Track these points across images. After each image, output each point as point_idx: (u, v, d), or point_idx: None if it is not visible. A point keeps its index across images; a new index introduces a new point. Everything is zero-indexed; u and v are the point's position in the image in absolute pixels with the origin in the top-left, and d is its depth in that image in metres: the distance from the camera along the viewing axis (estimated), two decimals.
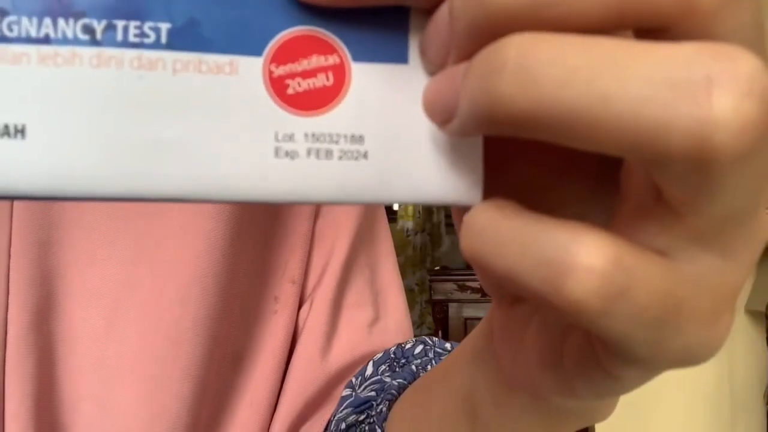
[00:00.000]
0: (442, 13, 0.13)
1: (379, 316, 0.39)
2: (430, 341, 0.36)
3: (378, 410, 0.31)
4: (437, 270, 2.27)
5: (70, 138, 0.13)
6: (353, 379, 0.35)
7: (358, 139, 0.14)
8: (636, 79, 0.11)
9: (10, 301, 0.30)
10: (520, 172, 0.16)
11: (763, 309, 1.45)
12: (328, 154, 0.14)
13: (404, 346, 0.36)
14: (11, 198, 0.14)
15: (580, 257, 0.12)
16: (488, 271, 0.13)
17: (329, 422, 0.35)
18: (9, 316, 0.30)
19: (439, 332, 2.10)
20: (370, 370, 0.35)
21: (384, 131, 0.14)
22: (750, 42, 0.12)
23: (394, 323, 0.39)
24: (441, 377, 0.24)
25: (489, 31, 0.12)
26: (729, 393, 1.54)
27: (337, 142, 0.14)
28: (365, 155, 0.14)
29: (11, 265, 0.30)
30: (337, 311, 0.38)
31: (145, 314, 0.32)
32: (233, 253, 0.34)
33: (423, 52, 0.14)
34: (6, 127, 0.13)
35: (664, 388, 1.48)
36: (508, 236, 0.13)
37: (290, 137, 0.14)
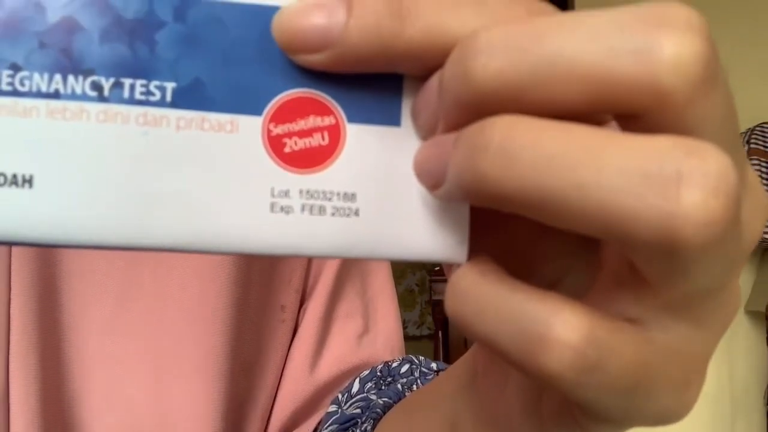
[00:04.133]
0: (433, 84, 0.14)
1: (369, 327, 0.39)
2: (416, 360, 0.37)
3: (363, 428, 0.31)
4: (437, 270, 2.27)
5: (75, 189, 0.14)
6: (339, 396, 0.36)
7: (351, 197, 0.15)
8: (610, 170, 0.11)
9: (12, 294, 0.30)
10: (507, 231, 0.17)
11: (763, 309, 1.46)
12: (322, 210, 0.15)
13: (391, 365, 0.37)
14: (17, 244, 0.14)
15: (556, 332, 0.12)
16: (468, 334, 0.14)
17: None
18: (12, 311, 0.30)
19: (439, 332, 2.11)
20: (356, 387, 0.35)
21: (376, 190, 0.15)
22: (721, 133, 0.12)
23: (384, 334, 0.40)
24: (427, 401, 0.25)
25: (474, 107, 0.13)
26: (729, 393, 1.55)
27: (330, 199, 0.15)
28: (357, 212, 0.15)
29: (13, 258, 0.30)
30: (328, 322, 0.38)
31: (151, 309, 0.32)
32: (246, 260, 0.34)
33: (414, 118, 0.15)
34: (14, 176, 0.14)
35: None
36: (489, 304, 0.13)
37: (286, 193, 0.15)
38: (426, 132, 0.15)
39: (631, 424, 0.15)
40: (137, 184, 0.14)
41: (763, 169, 1.41)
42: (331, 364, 0.37)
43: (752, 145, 1.41)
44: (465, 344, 1.92)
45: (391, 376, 0.36)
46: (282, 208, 0.15)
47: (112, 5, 0.14)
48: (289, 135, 0.15)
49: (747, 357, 1.52)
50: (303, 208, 0.15)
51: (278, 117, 0.15)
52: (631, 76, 0.12)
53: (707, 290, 0.13)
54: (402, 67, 0.14)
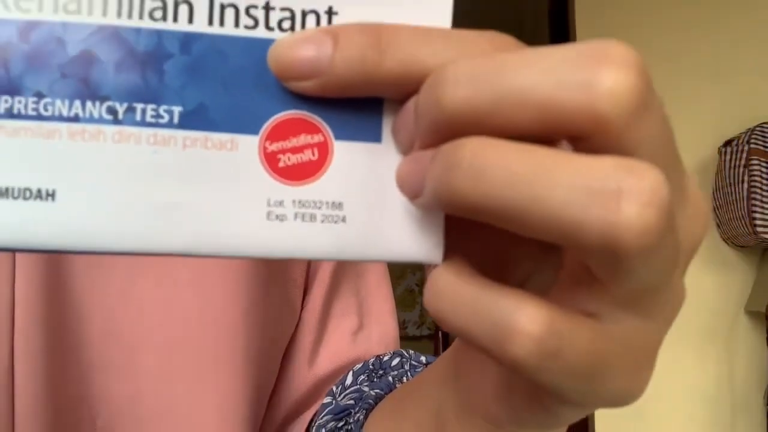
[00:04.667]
0: (409, 107, 0.16)
1: (363, 324, 0.41)
2: (406, 354, 0.39)
3: (356, 418, 0.33)
4: None
5: (93, 201, 0.16)
6: (334, 388, 0.38)
7: (338, 205, 0.17)
8: (562, 186, 0.13)
9: (16, 269, 0.29)
10: (480, 236, 0.19)
11: (763, 310, 1.46)
12: (312, 217, 0.17)
13: (382, 358, 0.39)
14: (41, 251, 0.16)
15: (521, 324, 0.15)
16: (445, 327, 0.16)
17: (310, 425, 0.38)
18: (16, 285, 0.29)
19: (439, 332, 2.11)
20: (350, 379, 0.37)
21: (360, 199, 0.17)
22: (657, 152, 0.14)
23: (378, 331, 0.42)
24: (415, 392, 0.27)
25: (445, 128, 0.15)
26: (729, 393, 1.55)
27: (320, 208, 0.17)
28: (344, 219, 0.17)
29: None
30: (325, 320, 0.40)
31: (161, 284, 0.32)
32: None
33: (394, 136, 0.17)
34: (39, 191, 0.16)
35: (664, 388, 1.49)
36: (464, 300, 0.15)
37: (280, 203, 0.16)
38: (405, 148, 0.17)
39: (591, 406, 0.17)
40: (147, 197, 0.16)
41: (764, 169, 1.41)
42: (328, 359, 0.39)
43: (752, 145, 1.42)
44: None
45: (382, 369, 0.38)
46: (277, 217, 0.16)
47: (125, 39, 0.16)
48: (283, 151, 0.16)
49: (747, 357, 1.52)
50: (296, 216, 0.16)
51: (273, 136, 0.16)
52: (575, 106, 0.14)
53: (652, 287, 0.15)
54: (382, 93, 0.16)
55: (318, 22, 0.16)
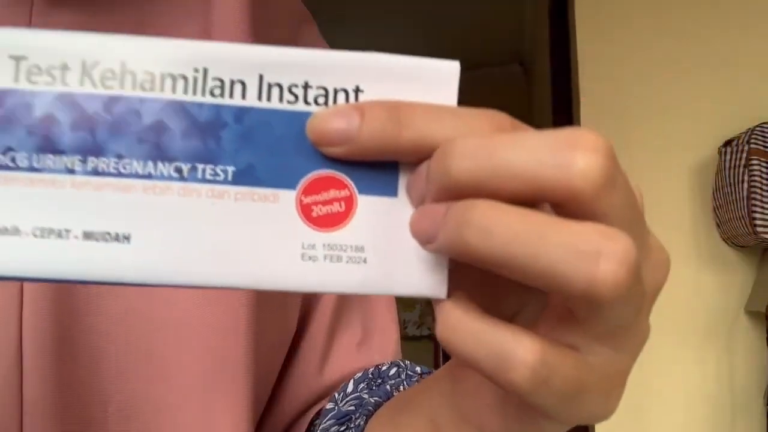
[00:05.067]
0: (422, 172, 0.20)
1: (367, 336, 0.45)
2: (403, 364, 0.42)
3: (356, 423, 0.36)
4: None
5: (161, 244, 0.19)
6: (336, 394, 0.41)
7: (360, 248, 0.20)
8: (554, 246, 0.17)
9: None
10: (477, 275, 0.22)
11: (763, 309, 1.46)
12: (339, 258, 0.20)
13: (381, 368, 0.42)
14: (117, 284, 0.19)
15: (519, 355, 0.18)
16: (453, 355, 0.19)
17: (310, 427, 0.41)
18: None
19: None
20: (350, 387, 0.41)
21: (379, 244, 0.20)
22: (623, 216, 0.18)
23: (380, 343, 0.45)
24: (413, 400, 0.29)
25: (451, 191, 0.18)
26: (729, 393, 1.55)
27: (345, 251, 0.20)
28: (365, 260, 0.20)
29: None
30: (333, 332, 0.43)
31: None
32: None
33: (408, 192, 0.20)
34: (117, 235, 0.19)
35: (664, 389, 1.49)
36: (470, 333, 0.19)
37: (312, 246, 0.20)
38: (417, 202, 0.20)
39: (571, 422, 0.21)
40: (204, 240, 0.19)
41: (764, 169, 1.41)
42: (335, 370, 0.42)
43: (752, 145, 1.42)
44: None
45: (381, 378, 0.41)
46: (310, 258, 0.20)
47: (190, 112, 0.19)
48: (316, 203, 0.20)
49: (747, 357, 1.52)
50: (325, 258, 0.20)
51: (308, 190, 0.20)
52: (555, 181, 0.17)
53: (623, 326, 0.19)
54: (398, 158, 0.20)
55: (347, 98, 0.20)
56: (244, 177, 0.19)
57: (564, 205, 0.18)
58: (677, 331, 1.48)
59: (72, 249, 0.19)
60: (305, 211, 0.20)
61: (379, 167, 0.20)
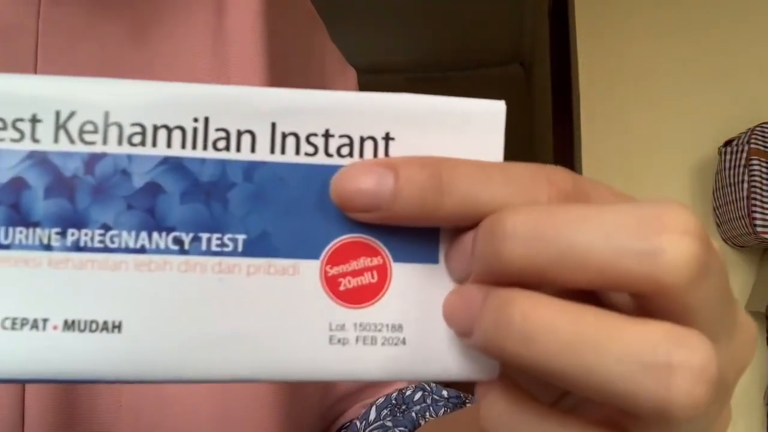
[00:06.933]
0: (465, 242, 0.16)
1: None
2: (428, 387, 0.39)
3: None
4: None
5: (157, 332, 0.16)
6: (358, 423, 0.38)
7: (398, 327, 0.17)
8: (612, 358, 0.14)
9: None
10: None
11: (763, 309, 1.46)
12: (374, 340, 0.17)
13: (405, 393, 0.39)
14: (106, 382, 0.16)
15: None
16: None
17: None
18: None
19: None
20: (373, 415, 0.38)
21: (419, 321, 0.17)
22: (711, 313, 0.15)
23: None
24: None
25: (501, 277, 0.15)
26: None
27: (380, 331, 0.17)
28: (404, 341, 0.17)
29: None
30: None
31: None
32: None
33: (447, 262, 0.17)
34: (105, 323, 0.16)
35: None
36: (515, 425, 0.16)
37: (342, 327, 0.17)
38: (457, 276, 0.17)
39: None
40: (212, 327, 0.16)
41: (764, 169, 1.41)
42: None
43: (752, 145, 1.42)
44: None
45: (405, 404, 0.38)
46: (339, 341, 0.17)
47: (189, 171, 0.16)
48: (344, 275, 0.17)
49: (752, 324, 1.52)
50: (357, 340, 0.17)
51: (333, 259, 0.17)
52: (635, 274, 0.14)
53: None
54: (437, 225, 0.17)
55: (375, 148, 0.17)
56: (258, 246, 0.16)
57: (647, 299, 0.15)
58: None
59: (50, 342, 0.16)
60: (332, 285, 0.17)
61: (416, 230, 0.17)
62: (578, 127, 1.55)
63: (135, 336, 0.16)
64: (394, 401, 0.38)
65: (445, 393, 0.38)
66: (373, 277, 0.17)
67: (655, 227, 0.14)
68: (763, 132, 1.42)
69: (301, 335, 0.16)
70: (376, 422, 0.37)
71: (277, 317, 0.16)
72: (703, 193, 1.52)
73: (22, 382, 0.16)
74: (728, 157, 1.45)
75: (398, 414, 0.37)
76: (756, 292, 1.49)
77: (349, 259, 0.17)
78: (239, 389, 0.32)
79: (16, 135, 0.16)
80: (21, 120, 0.16)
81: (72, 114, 0.16)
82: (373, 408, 0.38)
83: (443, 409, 0.38)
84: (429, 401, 0.38)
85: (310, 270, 0.17)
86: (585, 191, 0.16)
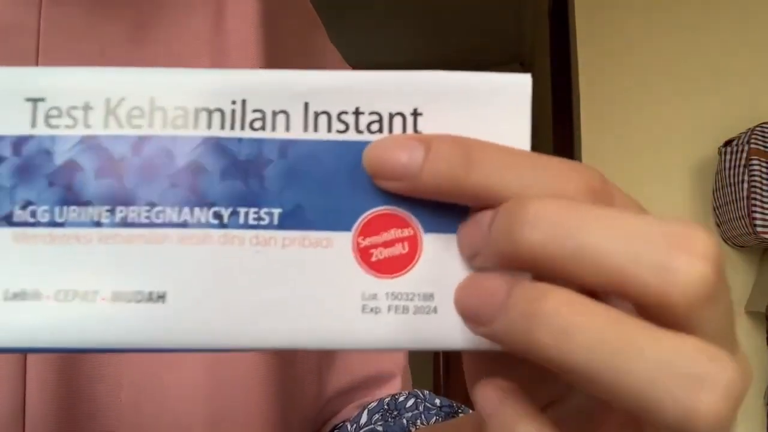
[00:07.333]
0: (481, 222, 0.17)
1: None
2: (421, 395, 0.39)
3: None
4: None
5: (199, 302, 0.17)
6: (348, 426, 0.38)
7: (430, 296, 0.17)
8: (646, 362, 0.14)
9: None
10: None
11: (763, 310, 1.46)
12: (405, 309, 0.17)
13: (398, 399, 0.39)
14: (152, 351, 0.17)
15: None
16: None
17: None
18: None
19: None
20: (364, 418, 0.38)
21: (449, 289, 0.17)
22: (716, 332, 0.15)
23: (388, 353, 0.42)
24: None
25: (513, 261, 0.15)
26: None
27: (412, 300, 0.17)
28: (435, 310, 0.17)
29: None
30: None
31: None
32: None
33: (459, 241, 0.17)
34: (150, 294, 0.17)
35: None
36: (504, 427, 0.16)
37: (374, 296, 0.17)
38: (467, 253, 0.17)
39: None
40: (251, 295, 0.17)
41: (764, 169, 1.41)
42: (340, 374, 0.40)
43: (752, 145, 1.42)
44: None
45: (397, 410, 0.38)
46: (372, 310, 0.17)
47: (228, 149, 0.17)
48: (375, 246, 0.17)
49: (747, 357, 1.52)
50: (389, 309, 0.17)
51: (365, 231, 0.17)
52: (647, 285, 0.14)
53: None
54: (463, 202, 0.17)
55: (404, 123, 0.17)
56: (293, 220, 0.17)
57: (649, 309, 0.15)
58: None
59: (99, 313, 0.16)
60: (364, 256, 0.17)
61: (448, 204, 0.17)
62: (578, 127, 1.55)
63: (177, 305, 0.17)
64: (386, 406, 0.38)
65: (438, 401, 0.39)
66: (404, 248, 0.17)
67: (678, 245, 0.14)
68: (763, 132, 1.42)
69: (335, 305, 0.17)
70: (367, 426, 0.37)
71: (311, 288, 0.17)
72: (703, 193, 1.52)
73: (73, 352, 0.17)
74: (728, 157, 1.45)
75: (389, 419, 0.37)
76: (756, 292, 1.49)
77: (380, 231, 0.17)
78: (235, 380, 0.33)
79: (70, 122, 0.17)
80: (74, 108, 0.17)
81: (121, 101, 0.17)
82: (365, 411, 0.38)
83: (435, 418, 0.38)
84: (421, 408, 0.38)
85: (342, 242, 0.17)
86: (612, 195, 0.16)
